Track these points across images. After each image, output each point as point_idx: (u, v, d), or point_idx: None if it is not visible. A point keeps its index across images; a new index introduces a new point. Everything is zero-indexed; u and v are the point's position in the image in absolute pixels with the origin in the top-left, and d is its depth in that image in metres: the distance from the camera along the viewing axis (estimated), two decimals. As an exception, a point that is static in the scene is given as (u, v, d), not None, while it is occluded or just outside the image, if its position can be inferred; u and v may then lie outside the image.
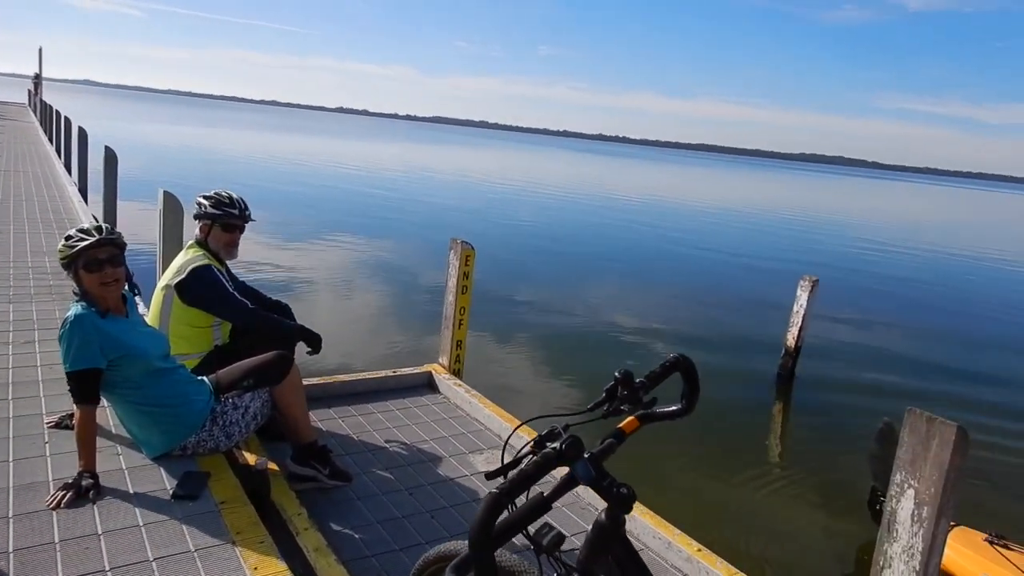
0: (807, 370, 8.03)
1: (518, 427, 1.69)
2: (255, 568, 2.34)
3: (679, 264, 16.03)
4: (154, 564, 2.32)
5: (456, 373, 4.95)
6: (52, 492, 2.66)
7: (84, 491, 2.66)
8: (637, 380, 1.56)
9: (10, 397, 3.52)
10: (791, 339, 7.78)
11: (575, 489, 1.43)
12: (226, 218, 3.51)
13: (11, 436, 3.12)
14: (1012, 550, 4.07)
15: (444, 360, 5.00)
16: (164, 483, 2.84)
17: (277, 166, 31.99)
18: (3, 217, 8.41)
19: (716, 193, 47.50)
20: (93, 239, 2.75)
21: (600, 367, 7.89)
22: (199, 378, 3.15)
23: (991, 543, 4.12)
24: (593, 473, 1.41)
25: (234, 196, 3.60)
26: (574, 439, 1.39)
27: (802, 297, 7.60)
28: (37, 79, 34.84)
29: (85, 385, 2.72)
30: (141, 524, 2.53)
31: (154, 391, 2.91)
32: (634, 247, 17.80)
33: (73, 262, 2.76)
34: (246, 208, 3.62)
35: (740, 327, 10.57)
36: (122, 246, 2.86)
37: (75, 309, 2.78)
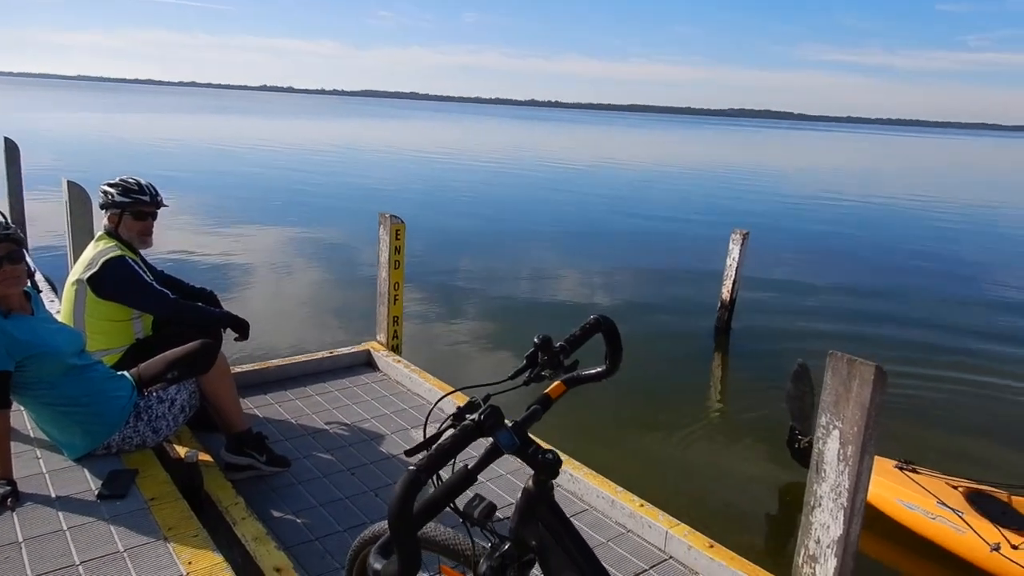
0: (742, 322, 8.25)
1: (438, 401, 1.66)
2: (189, 563, 2.27)
3: (613, 228, 16.19)
4: (80, 568, 2.23)
5: (395, 349, 4.90)
6: None
7: (2, 499, 2.54)
8: (557, 344, 1.55)
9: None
10: (725, 293, 7.97)
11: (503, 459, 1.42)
12: (136, 205, 3.34)
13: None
14: (920, 474, 4.31)
15: (382, 337, 4.94)
16: (89, 484, 2.73)
17: (196, 150, 30.79)
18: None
19: (646, 154, 48.00)
20: None
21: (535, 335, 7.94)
22: (119, 373, 3.02)
23: (901, 469, 4.35)
24: (517, 442, 1.39)
25: (142, 182, 3.43)
26: (493, 409, 1.37)
27: (734, 251, 7.78)
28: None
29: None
30: (65, 528, 2.43)
31: (70, 390, 2.78)
32: (567, 214, 17.86)
33: None
34: (157, 193, 3.46)
35: (676, 285, 10.77)
36: (19, 241, 2.70)
37: None
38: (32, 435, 3.07)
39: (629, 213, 18.47)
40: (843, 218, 19.75)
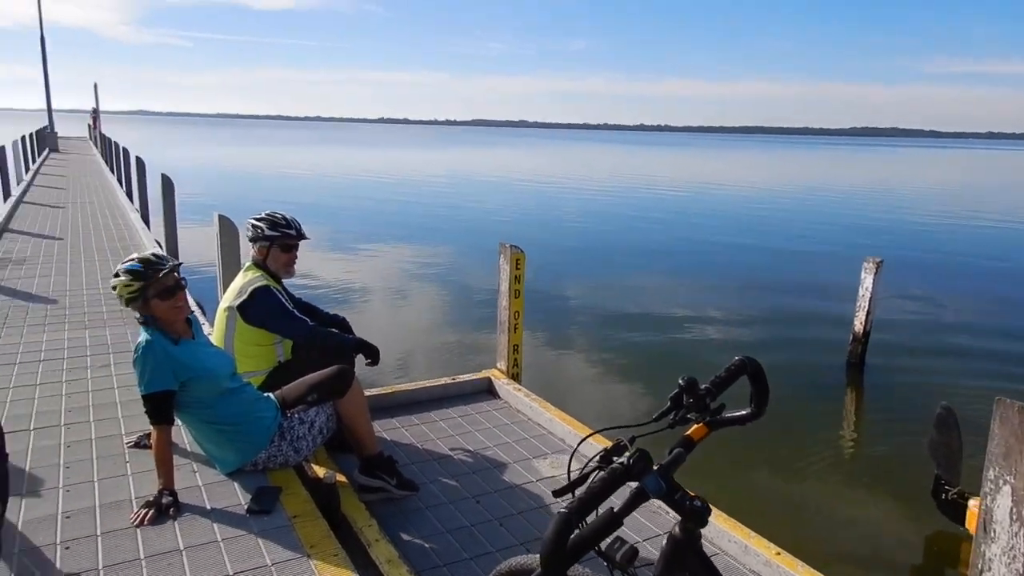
0: (875, 357, 7.77)
1: (580, 443, 1.66)
2: (331, 581, 2.38)
3: (731, 255, 15.71)
4: (234, 579, 2.38)
5: (515, 378, 4.95)
6: (135, 510, 2.76)
7: (165, 508, 2.76)
8: (702, 386, 1.52)
9: (91, 419, 3.67)
10: (858, 325, 7.54)
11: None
12: (283, 239, 3.59)
13: (94, 456, 3.25)
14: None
15: (502, 365, 5.00)
16: (239, 498, 2.91)
17: (325, 180, 32.62)
18: (75, 246, 8.79)
19: (766, 176, 46.44)
20: (165, 267, 2.85)
21: (659, 368, 7.81)
22: (265, 395, 3.23)
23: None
24: (664, 487, 1.37)
25: (288, 216, 3.67)
26: (641, 453, 1.36)
27: (867, 280, 7.36)
28: (95, 113, 36.32)
29: (160, 407, 2.83)
30: (219, 539, 2.60)
31: (224, 410, 3.00)
32: (687, 240, 17.51)
33: (143, 292, 2.83)
34: (300, 227, 3.69)
35: (804, 317, 10.29)
36: (177, 269, 2.95)
37: (145, 335, 2.87)
38: (190, 449, 3.32)
39: (748, 239, 17.89)
40: (985, 243, 18.27)
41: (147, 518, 2.70)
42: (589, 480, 1.36)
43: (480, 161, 57.90)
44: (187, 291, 3.08)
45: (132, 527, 2.66)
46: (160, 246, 8.75)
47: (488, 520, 3.28)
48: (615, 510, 1.32)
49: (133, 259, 2.88)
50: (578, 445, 1.64)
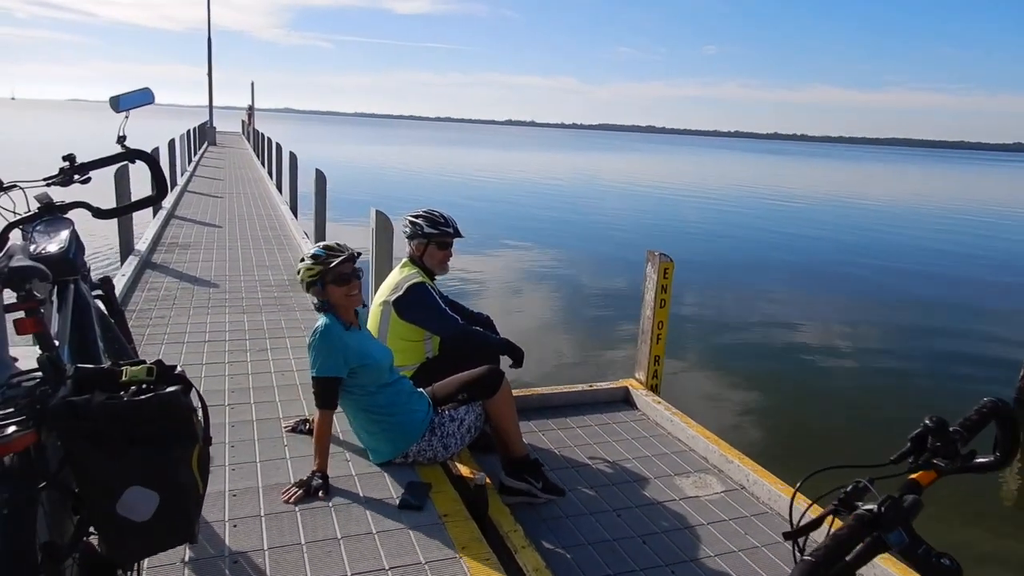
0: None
1: (807, 478, 1.51)
2: (484, 586, 2.36)
3: (897, 272, 14.64)
4: (389, 573, 2.41)
5: (654, 389, 4.80)
6: (287, 487, 2.89)
7: (314, 490, 2.86)
8: (951, 428, 1.34)
9: (252, 401, 3.87)
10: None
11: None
12: (441, 236, 3.64)
13: (256, 438, 3.42)
14: None
15: (641, 375, 4.86)
16: (390, 490, 2.96)
17: (461, 180, 33.45)
18: (232, 235, 9.43)
19: (925, 191, 43.25)
20: (344, 255, 2.99)
21: (803, 392, 7.41)
22: (418, 390, 3.28)
23: None
24: (906, 539, 1.22)
25: (445, 214, 3.72)
26: (894, 501, 1.21)
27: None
28: (250, 110, 39.03)
29: (327, 391, 2.95)
30: (374, 531, 2.65)
31: (383, 400, 3.08)
32: (837, 255, 16.50)
33: (322, 277, 2.96)
34: (456, 226, 3.73)
35: (979, 345, 9.42)
36: (356, 260, 3.09)
37: (323, 320, 3.01)
38: (343, 438, 3.43)
39: (920, 253, 16.63)
40: None
41: (295, 496, 2.82)
42: (826, 525, 1.23)
43: (610, 166, 57.51)
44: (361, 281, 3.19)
45: (292, 510, 2.77)
46: (308, 238, 9.22)
47: (630, 536, 3.17)
48: (848, 559, 1.19)
49: (317, 246, 3.05)
50: (801, 483, 1.48)
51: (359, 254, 3.10)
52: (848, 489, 1.24)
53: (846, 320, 10.58)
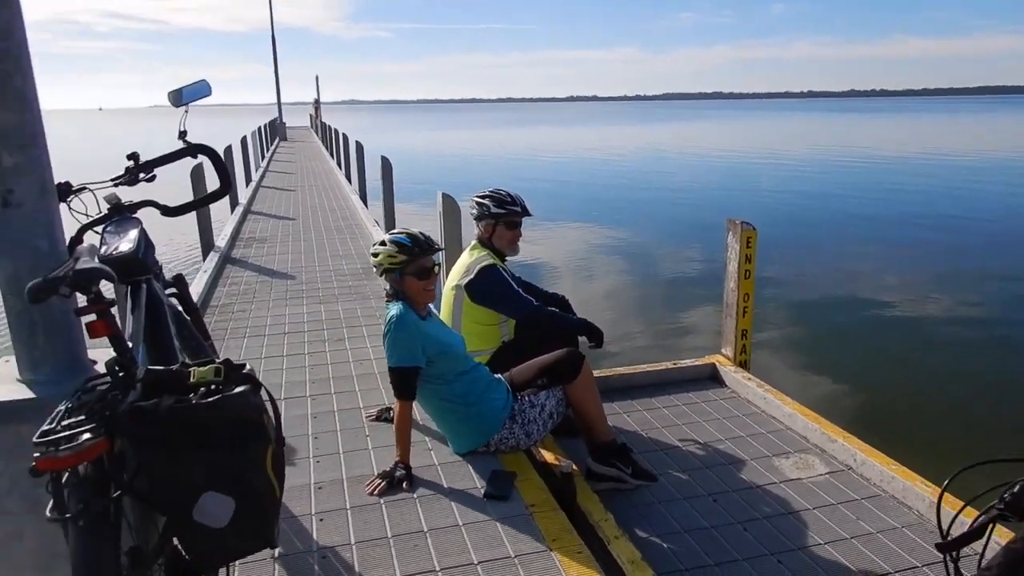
0: None
1: (953, 477, 1.31)
2: (578, 581, 2.23)
3: (1003, 232, 13.62)
4: (479, 567, 2.31)
5: (743, 365, 4.55)
6: (371, 479, 2.84)
7: (397, 482, 2.80)
8: None
9: (332, 392, 3.86)
10: None
11: None
12: (509, 216, 3.51)
13: (338, 428, 3.38)
14: None
15: (728, 351, 4.62)
16: (474, 480, 2.87)
17: (524, 159, 33.27)
18: (305, 226, 9.57)
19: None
20: (430, 250, 2.91)
21: (921, 365, 6.94)
22: (496, 376, 3.16)
23: None
24: None
25: (512, 193, 3.58)
26: None
27: None
28: (317, 103, 39.79)
29: (405, 381, 2.87)
30: (460, 523, 2.56)
31: (461, 388, 2.98)
32: (931, 216, 15.50)
33: (403, 267, 2.87)
34: (524, 204, 3.59)
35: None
36: (438, 255, 3.02)
37: (397, 309, 2.91)
38: (423, 426, 3.36)
39: (1009, 214, 15.50)
40: None
41: (378, 488, 2.77)
42: (988, 531, 1.04)
43: (676, 136, 56.09)
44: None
45: (377, 502, 2.71)
46: (378, 225, 9.26)
47: (729, 523, 2.98)
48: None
49: (403, 232, 2.94)
50: (949, 481, 1.29)
51: (441, 248, 3.06)
52: (1017, 490, 1.04)
53: (950, 286, 9.87)
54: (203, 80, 2.49)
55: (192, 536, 1.42)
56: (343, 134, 18.11)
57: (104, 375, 1.55)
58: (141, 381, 1.47)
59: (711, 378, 4.54)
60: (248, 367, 1.54)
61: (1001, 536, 1.00)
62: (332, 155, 21.90)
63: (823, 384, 6.46)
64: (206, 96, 2.51)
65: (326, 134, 25.65)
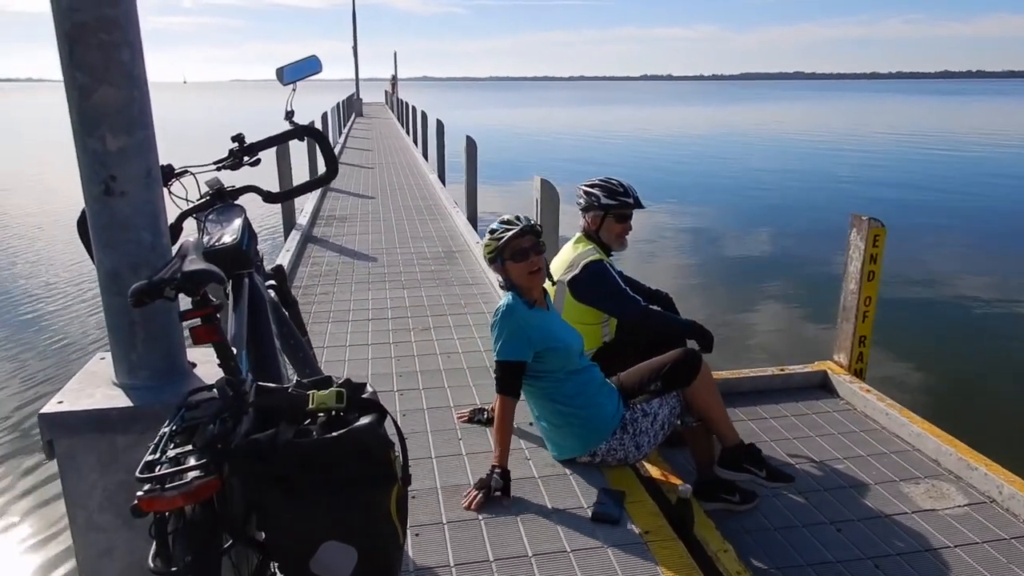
0: None
1: None
2: (708, 630, 1.99)
3: None
4: (593, 604, 2.10)
5: (858, 374, 4.18)
6: (468, 491, 2.66)
7: (494, 490, 2.61)
8: None
9: (420, 387, 3.69)
10: None
11: None
12: (620, 208, 3.24)
13: (429, 430, 3.22)
14: None
15: (842, 358, 4.25)
16: (578, 498, 2.66)
17: (604, 139, 32.69)
18: (384, 206, 9.51)
19: None
20: (516, 228, 2.71)
21: None
22: (608, 381, 2.93)
23: None
24: None
25: (624, 183, 3.31)
26: None
27: None
28: (394, 80, 40.04)
29: (509, 376, 2.69)
30: (568, 549, 2.35)
31: (572, 389, 2.79)
32: None
33: (499, 254, 2.73)
34: (637, 195, 3.32)
35: None
36: (540, 234, 2.80)
37: (507, 299, 2.76)
38: (520, 431, 3.16)
39: None
40: None
41: (476, 502, 2.58)
42: None
43: (761, 118, 54.04)
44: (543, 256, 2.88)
45: (476, 518, 2.52)
46: (458, 206, 9.11)
47: (858, 558, 2.68)
48: None
49: (500, 219, 2.81)
50: None
51: (539, 226, 2.80)
52: None
53: None
54: (313, 56, 2.32)
55: None
56: (422, 111, 18.04)
57: (208, 387, 1.40)
58: (255, 404, 1.30)
59: (821, 387, 4.19)
60: (370, 389, 1.35)
61: None
62: (408, 132, 21.93)
63: (951, 401, 5.90)
64: (316, 73, 2.34)
65: (402, 111, 25.73)
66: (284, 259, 6.29)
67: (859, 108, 69.98)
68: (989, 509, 2.97)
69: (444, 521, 2.51)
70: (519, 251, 2.71)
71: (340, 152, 16.23)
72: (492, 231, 2.77)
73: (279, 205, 9.02)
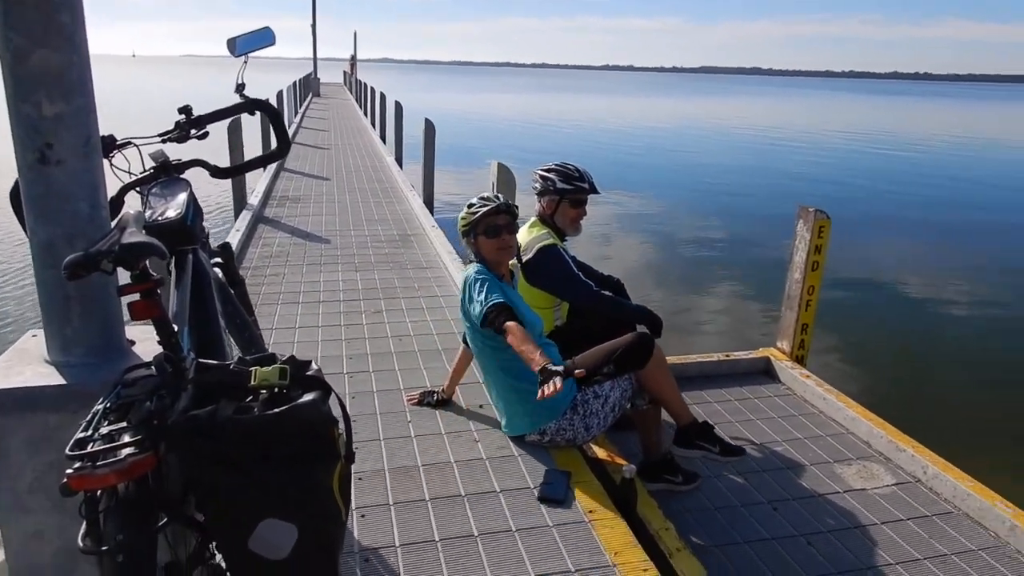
0: None
1: None
2: (646, 605, 2.05)
3: None
4: (536, 582, 2.14)
5: (800, 361, 4.31)
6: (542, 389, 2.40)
7: (565, 375, 2.41)
8: None
9: (371, 369, 3.68)
10: None
11: None
12: (576, 193, 3.27)
13: (378, 412, 3.21)
14: None
15: (784, 345, 4.38)
16: (526, 479, 2.69)
17: (563, 127, 32.73)
18: (340, 187, 9.38)
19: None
20: (492, 205, 2.81)
21: (1002, 370, 6.54)
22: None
23: None
24: None
25: (580, 168, 3.34)
26: None
27: None
28: (353, 60, 39.31)
29: (507, 315, 2.65)
30: (513, 529, 2.39)
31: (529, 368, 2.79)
32: (998, 207, 14.83)
33: (473, 228, 2.82)
34: (592, 181, 3.36)
35: None
36: (516, 215, 2.90)
37: (473, 268, 2.85)
38: (467, 414, 3.18)
39: None
40: None
41: (555, 391, 2.34)
42: None
43: (724, 113, 54.75)
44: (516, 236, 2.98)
45: (423, 499, 2.54)
46: (415, 189, 9.04)
47: (792, 535, 2.79)
48: None
49: (480, 196, 2.92)
50: None
51: (516, 207, 2.91)
52: None
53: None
54: (266, 28, 2.27)
55: (245, 569, 1.24)
56: (380, 93, 17.79)
57: (146, 364, 1.37)
58: (194, 381, 1.28)
59: (764, 372, 4.31)
60: (315, 366, 1.34)
61: None
62: (366, 114, 21.63)
63: (885, 386, 6.13)
64: (269, 45, 2.29)
65: (361, 92, 25.34)
66: (234, 239, 6.16)
67: (812, 105, 71.51)
68: (915, 488, 3.11)
69: (391, 502, 2.51)
70: (492, 227, 2.80)
71: (295, 132, 15.91)
72: (470, 205, 2.86)
73: (230, 184, 8.84)
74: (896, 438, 3.39)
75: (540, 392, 2.39)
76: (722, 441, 3.09)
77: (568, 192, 3.25)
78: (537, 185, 3.34)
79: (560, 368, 2.43)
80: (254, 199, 8.06)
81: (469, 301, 2.81)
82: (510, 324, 2.62)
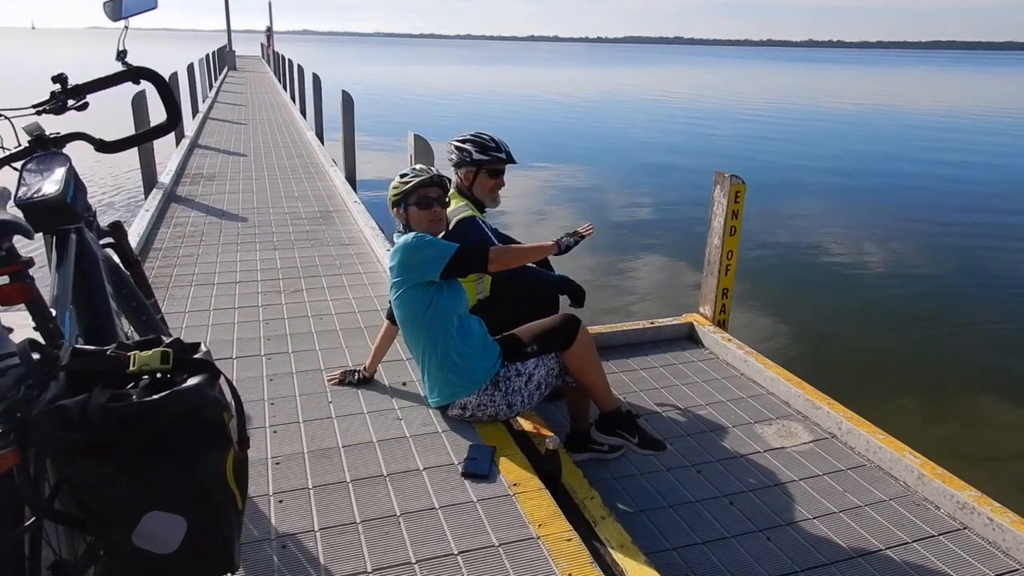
0: None
1: None
2: (569, 574, 2.04)
3: (979, 188, 13.66)
4: (460, 558, 2.10)
5: (721, 325, 4.40)
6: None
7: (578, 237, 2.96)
8: None
9: (290, 350, 3.55)
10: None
11: None
12: (493, 163, 3.21)
13: (297, 393, 3.11)
14: None
15: (706, 310, 4.46)
16: (450, 455, 2.65)
17: (490, 99, 32.41)
18: (258, 164, 9.03)
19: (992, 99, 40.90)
20: (425, 176, 2.78)
21: (911, 328, 6.81)
22: (493, 340, 2.92)
23: None
24: None
25: (496, 138, 3.27)
26: None
27: None
28: (269, 32, 37.86)
29: (473, 253, 2.74)
30: (437, 506, 2.34)
31: (457, 335, 2.79)
32: (907, 172, 15.48)
33: (405, 198, 2.80)
34: (509, 150, 3.29)
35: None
36: (447, 189, 2.88)
37: (413, 234, 2.79)
38: (389, 392, 3.11)
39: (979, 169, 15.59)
40: None
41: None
42: None
43: (643, 82, 55.35)
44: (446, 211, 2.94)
45: (343, 481, 2.46)
46: (336, 165, 8.78)
47: (715, 496, 2.84)
48: None
49: (413, 167, 2.90)
50: None
51: (448, 180, 2.90)
52: None
53: (935, 245, 9.81)
54: None
55: (131, 565, 1.15)
56: (298, 65, 17.18)
57: (9, 353, 1.25)
58: (65, 368, 1.17)
59: (688, 338, 4.39)
60: (204, 348, 1.25)
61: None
62: (285, 88, 20.89)
63: (803, 347, 6.36)
64: (151, 9, 2.13)
65: (279, 65, 24.44)
66: (143, 220, 5.85)
67: (733, 74, 73.09)
68: (831, 444, 3.22)
69: (311, 486, 2.43)
70: (424, 199, 2.79)
71: (210, 107, 15.23)
72: (402, 175, 2.83)
73: (138, 163, 8.40)
74: (813, 396, 3.50)
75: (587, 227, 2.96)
76: (643, 432, 3.05)
77: (485, 163, 3.18)
78: (453, 156, 3.26)
79: (568, 233, 2.92)
80: (165, 177, 7.67)
81: (423, 261, 2.72)
82: (494, 250, 2.75)
